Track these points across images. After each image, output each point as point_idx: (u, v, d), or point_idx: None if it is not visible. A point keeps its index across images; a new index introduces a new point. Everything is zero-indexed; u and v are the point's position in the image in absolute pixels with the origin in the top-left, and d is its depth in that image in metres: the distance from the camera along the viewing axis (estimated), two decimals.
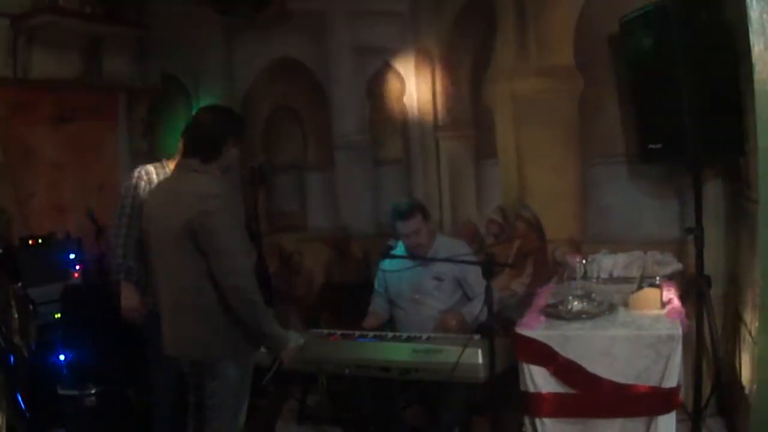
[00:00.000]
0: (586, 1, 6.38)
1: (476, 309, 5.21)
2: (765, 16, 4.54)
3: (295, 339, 4.57)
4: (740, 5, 4.68)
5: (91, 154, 8.11)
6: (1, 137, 7.15)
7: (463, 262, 5.50)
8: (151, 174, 5.58)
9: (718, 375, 5.57)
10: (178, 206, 4.24)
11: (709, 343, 5.58)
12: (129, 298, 5.56)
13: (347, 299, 7.11)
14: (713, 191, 5.88)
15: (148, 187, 5.43)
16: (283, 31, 7.92)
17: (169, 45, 8.30)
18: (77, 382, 6.39)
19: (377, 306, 6.11)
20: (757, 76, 4.57)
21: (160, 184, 4.86)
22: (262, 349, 4.51)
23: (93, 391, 6.33)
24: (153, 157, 6.45)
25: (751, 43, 4.58)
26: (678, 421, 4.55)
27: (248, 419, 4.60)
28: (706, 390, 5.66)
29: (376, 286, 6.19)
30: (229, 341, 4.30)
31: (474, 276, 5.57)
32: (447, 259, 5.53)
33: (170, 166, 5.46)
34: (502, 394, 4.86)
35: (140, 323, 5.57)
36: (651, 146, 5.64)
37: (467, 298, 5.79)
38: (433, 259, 5.61)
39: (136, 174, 5.62)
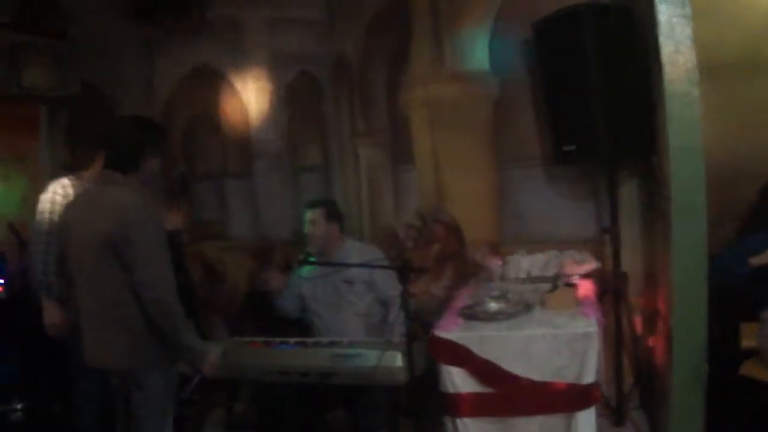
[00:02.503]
0: (500, 6, 6.45)
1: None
2: (674, 19, 4.65)
3: (214, 351, 4.53)
4: (649, 9, 4.77)
5: (14, 166, 8.00)
6: None
7: (379, 267, 5.54)
8: (67, 187, 5.50)
9: (638, 370, 5.65)
10: (98, 218, 4.17)
11: (629, 339, 5.66)
12: (51, 316, 5.46)
13: (270, 307, 7.09)
14: (628, 190, 5.98)
15: (64, 200, 5.33)
16: (201, 40, 7.87)
17: (88, 54, 8.18)
18: (2, 398, 6.32)
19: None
20: (667, 77, 4.68)
21: (79, 196, 4.76)
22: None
23: (19, 407, 6.27)
24: (75, 168, 6.37)
25: (661, 46, 4.68)
26: (600, 416, 4.63)
27: (175, 429, 4.55)
28: (629, 385, 5.74)
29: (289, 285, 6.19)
30: (154, 351, 4.25)
31: (382, 279, 5.68)
32: (362, 264, 5.54)
33: (87, 177, 5.39)
34: (426, 395, 4.88)
35: (64, 338, 5.49)
36: (565, 148, 5.70)
37: (380, 301, 5.82)
38: (350, 264, 5.60)
39: (51, 188, 5.55)
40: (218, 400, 6.63)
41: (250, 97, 7.75)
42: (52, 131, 8.39)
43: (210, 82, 7.92)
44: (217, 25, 7.81)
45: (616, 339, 5.70)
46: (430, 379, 4.81)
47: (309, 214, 5.86)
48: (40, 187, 6.00)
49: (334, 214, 5.92)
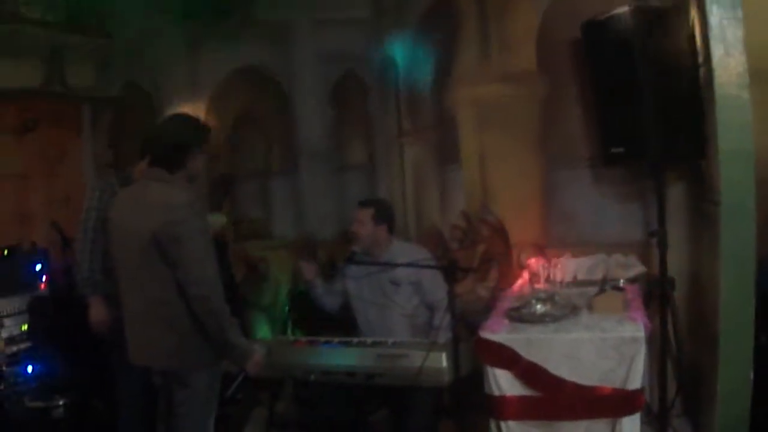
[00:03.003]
0: (548, 6, 6.42)
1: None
2: (724, 22, 4.60)
3: (259, 350, 4.53)
4: (700, 11, 4.73)
5: (56, 164, 8.05)
6: None
7: (426, 266, 5.47)
8: (115, 186, 5.50)
9: (683, 376, 5.60)
10: (144, 216, 4.18)
11: (674, 345, 5.61)
12: (97, 313, 5.48)
13: (314, 305, 7.08)
14: (676, 194, 5.90)
15: (109, 198, 5.30)
16: (246, 40, 7.91)
17: (131, 53, 8.24)
18: (45, 393, 6.36)
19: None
20: (717, 81, 4.64)
21: (124, 193, 4.74)
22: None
23: (61, 403, 6.31)
24: (118, 166, 6.39)
25: (712, 49, 4.63)
26: (644, 423, 4.57)
27: (217, 427, 4.56)
28: (673, 391, 5.68)
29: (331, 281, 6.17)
30: (198, 350, 4.26)
31: (429, 281, 5.62)
32: (410, 264, 5.49)
33: (132, 175, 5.39)
34: (470, 397, 4.86)
35: (107, 335, 5.50)
36: (613, 150, 5.64)
37: (426, 304, 5.79)
38: (397, 264, 5.57)
39: (99, 186, 5.56)
40: (261, 398, 6.64)
41: (296, 96, 7.77)
42: (96, 130, 8.45)
43: (255, 81, 7.97)
44: (263, 25, 7.84)
45: (661, 344, 5.65)
46: (473, 380, 4.80)
47: (358, 212, 5.82)
48: (84, 185, 6.04)
49: (383, 215, 5.84)
